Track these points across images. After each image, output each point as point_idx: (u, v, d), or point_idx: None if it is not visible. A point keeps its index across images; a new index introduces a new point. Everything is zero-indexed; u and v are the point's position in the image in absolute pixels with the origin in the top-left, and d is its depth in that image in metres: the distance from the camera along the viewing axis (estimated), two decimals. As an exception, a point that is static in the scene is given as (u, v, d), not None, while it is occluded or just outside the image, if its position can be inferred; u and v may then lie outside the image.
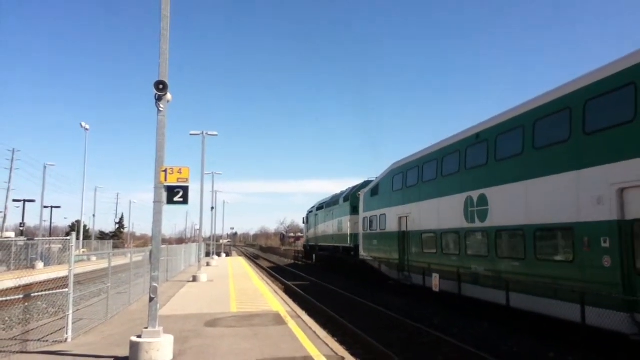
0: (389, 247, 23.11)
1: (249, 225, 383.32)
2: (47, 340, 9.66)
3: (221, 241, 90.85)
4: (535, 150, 12.45)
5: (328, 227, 38.85)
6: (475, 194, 15.22)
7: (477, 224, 15.01)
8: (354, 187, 33.50)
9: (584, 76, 11.11)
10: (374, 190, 26.06)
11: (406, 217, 21.02)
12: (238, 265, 38.45)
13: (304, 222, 54.98)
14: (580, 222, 10.63)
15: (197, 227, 60.72)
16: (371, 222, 26.05)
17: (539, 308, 11.74)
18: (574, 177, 10.91)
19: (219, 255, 57.30)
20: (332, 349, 9.01)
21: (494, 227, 14.11)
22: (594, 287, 10.10)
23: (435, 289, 16.75)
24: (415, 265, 19.78)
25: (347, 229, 31.90)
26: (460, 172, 16.47)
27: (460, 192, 16.18)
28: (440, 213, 17.75)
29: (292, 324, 11.69)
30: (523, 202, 12.79)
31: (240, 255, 72.64)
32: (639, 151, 9.23)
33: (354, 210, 30.46)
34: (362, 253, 27.67)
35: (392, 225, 22.68)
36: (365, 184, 30.10)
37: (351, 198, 31.75)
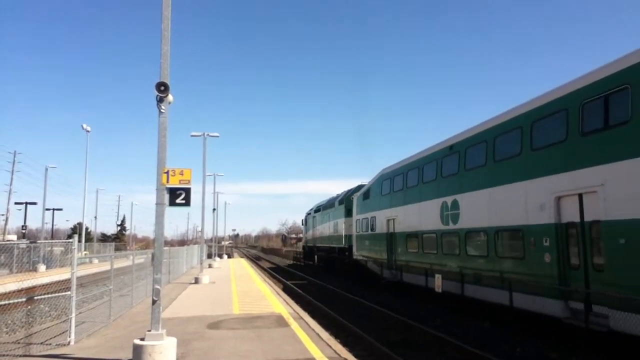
0: (378, 247, 25.00)
1: (250, 226, 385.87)
2: (50, 344, 9.67)
3: (223, 243, 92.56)
4: (495, 162, 14.36)
5: (325, 228, 40.78)
6: (449, 199, 17.11)
7: (451, 226, 16.90)
8: (348, 191, 35.40)
9: (531, 100, 13.02)
10: (366, 194, 27.96)
11: (393, 219, 22.90)
12: (240, 267, 39.63)
13: (302, 224, 56.90)
14: (528, 224, 12.55)
15: (199, 228, 62.13)
16: (363, 224, 27.95)
17: (503, 300, 13.55)
18: (524, 187, 12.82)
19: (220, 257, 58.69)
20: (335, 351, 9.09)
21: (464, 228, 16.01)
22: (540, 279, 11.99)
23: (438, 289, 17.13)
24: (402, 264, 21.69)
25: (342, 230, 33.81)
26: (437, 179, 18.36)
27: (437, 198, 18.06)
28: (421, 216, 19.65)
29: (294, 325, 11.77)
30: (486, 207, 14.70)
31: (241, 257, 73.78)
32: (570, 165, 11.13)
33: (348, 213, 32.34)
34: (356, 253, 29.58)
35: (381, 227, 24.57)
36: (359, 187, 31.99)
37: (345, 201, 33.66)
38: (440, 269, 17.49)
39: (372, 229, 26.13)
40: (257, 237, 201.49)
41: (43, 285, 13.20)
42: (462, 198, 16.26)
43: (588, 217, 10.66)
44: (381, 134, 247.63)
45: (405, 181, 21.74)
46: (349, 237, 31.95)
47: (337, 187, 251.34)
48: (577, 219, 10.99)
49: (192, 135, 30.25)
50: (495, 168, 14.36)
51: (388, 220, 23.55)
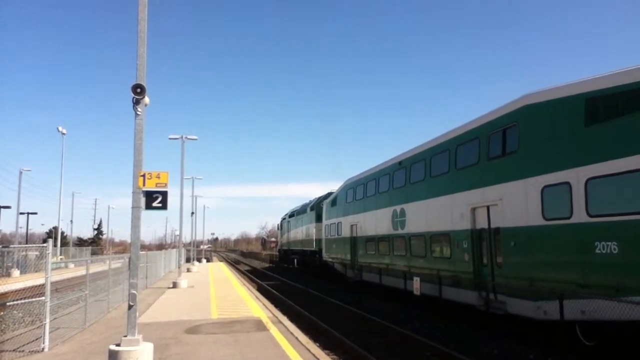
0: (343, 250, 27.67)
1: (229, 230, 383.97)
2: (23, 350, 9.50)
3: (201, 247, 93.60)
4: (432, 177, 17.14)
5: (298, 233, 43.40)
6: (398, 208, 19.85)
7: (400, 231, 19.64)
8: (319, 198, 38.08)
9: (457, 128, 15.83)
10: (333, 201, 30.64)
11: (355, 224, 25.58)
12: (219, 271, 40.71)
13: (278, 229, 59.40)
14: (453, 230, 15.33)
15: (177, 232, 63.16)
16: (331, 228, 30.62)
17: (437, 293, 16.24)
18: (451, 199, 15.60)
19: (199, 261, 59.65)
20: (314, 355, 9.10)
21: (409, 233, 18.74)
22: (461, 275, 14.75)
23: (417, 292, 17.53)
24: (362, 264, 24.37)
25: (313, 234, 36.47)
26: (389, 190, 21.10)
27: (389, 206, 20.79)
28: (377, 222, 22.36)
29: (273, 329, 11.85)
30: (425, 215, 17.46)
31: (221, 261, 74.88)
32: (481, 183, 13.92)
33: (319, 218, 35.00)
34: (325, 255, 32.21)
35: (346, 232, 27.24)
36: (328, 195, 34.67)
37: (316, 207, 36.37)
38: (392, 268, 20.21)
39: (338, 234, 28.77)
40: (237, 241, 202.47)
41: (17, 291, 12.85)
42: (407, 207, 19.00)
43: (493, 225, 13.46)
44: (359, 136, 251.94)
45: (365, 191, 24.45)
46: (319, 241, 34.56)
47: (317, 189, 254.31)
48: (486, 226, 13.79)
49: (170, 138, 30.06)
50: (431, 182, 17.14)
51: (351, 226, 26.21)
